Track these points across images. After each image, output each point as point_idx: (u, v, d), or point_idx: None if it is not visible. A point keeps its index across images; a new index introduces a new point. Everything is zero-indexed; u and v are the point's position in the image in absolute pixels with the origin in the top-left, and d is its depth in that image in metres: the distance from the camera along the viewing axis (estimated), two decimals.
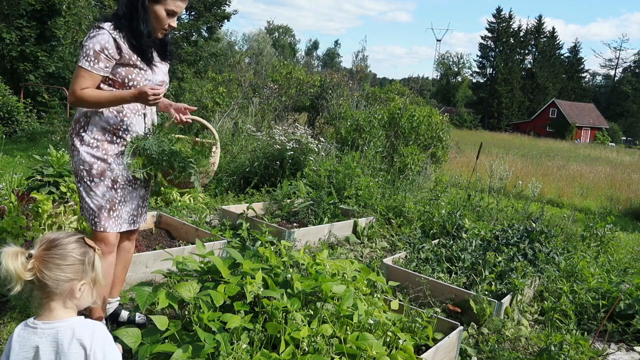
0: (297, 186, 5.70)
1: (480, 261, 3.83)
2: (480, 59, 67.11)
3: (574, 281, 3.88)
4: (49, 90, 14.13)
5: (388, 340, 2.35)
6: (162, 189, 5.41)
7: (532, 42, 65.33)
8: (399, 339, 2.33)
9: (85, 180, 2.33)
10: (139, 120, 2.44)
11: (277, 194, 5.49)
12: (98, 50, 2.22)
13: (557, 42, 65.90)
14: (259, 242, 3.78)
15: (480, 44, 66.66)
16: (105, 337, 1.41)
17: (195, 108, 2.65)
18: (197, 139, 2.65)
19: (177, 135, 2.50)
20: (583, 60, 68.43)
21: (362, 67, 26.31)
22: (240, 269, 2.49)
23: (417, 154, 8.09)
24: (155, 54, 2.44)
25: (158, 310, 2.34)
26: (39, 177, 4.61)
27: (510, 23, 64.53)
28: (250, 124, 8.88)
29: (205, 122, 2.72)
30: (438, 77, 74.85)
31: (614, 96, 66.31)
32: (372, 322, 2.36)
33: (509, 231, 4.60)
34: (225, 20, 24.22)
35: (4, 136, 9.74)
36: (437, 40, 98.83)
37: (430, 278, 3.51)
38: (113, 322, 2.71)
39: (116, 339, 1.67)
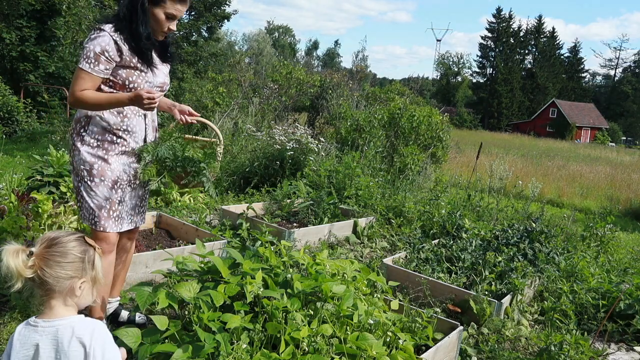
0: (297, 186, 5.70)
1: (480, 261, 3.83)
2: (480, 59, 67.15)
3: (574, 281, 3.88)
4: (49, 90, 14.13)
5: (388, 340, 2.35)
6: (162, 189, 5.41)
7: (532, 42, 65.34)
8: (399, 339, 2.33)
9: (85, 180, 2.34)
10: (139, 120, 2.45)
11: (277, 194, 5.49)
12: (98, 52, 2.22)
13: (557, 42, 65.92)
14: (259, 242, 3.78)
15: (480, 44, 66.74)
16: (105, 336, 1.42)
17: (200, 115, 2.66)
18: (205, 139, 2.66)
19: (186, 135, 2.53)
20: (583, 60, 68.48)
21: (362, 67, 26.32)
22: (240, 269, 2.49)
23: (417, 154, 8.09)
24: (155, 56, 2.44)
25: (158, 310, 2.34)
26: (39, 177, 4.61)
27: (510, 23, 64.55)
28: (250, 124, 8.88)
29: (210, 123, 2.74)
30: (438, 77, 74.87)
31: (614, 96, 66.32)
32: (372, 322, 2.36)
33: (509, 231, 4.60)
34: (225, 20, 24.23)
35: (4, 136, 9.74)
36: (437, 40, 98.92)
37: (430, 278, 3.51)
38: (113, 322, 2.71)
39: (116, 339, 1.67)
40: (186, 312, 2.37)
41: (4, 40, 13.59)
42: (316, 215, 5.13)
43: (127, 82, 2.32)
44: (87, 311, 2.32)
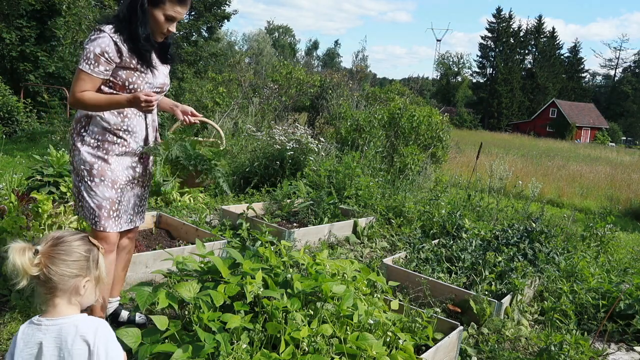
0: (297, 186, 5.70)
1: (480, 261, 3.83)
2: (480, 59, 67.14)
3: (574, 281, 3.88)
4: (49, 90, 14.13)
5: (388, 340, 2.35)
6: (166, 189, 5.41)
7: (532, 42, 65.33)
8: (399, 339, 2.33)
9: (86, 180, 2.34)
10: (139, 121, 2.45)
11: (277, 194, 5.49)
12: (98, 53, 2.22)
13: (557, 42, 65.92)
14: (259, 242, 3.78)
15: (480, 44, 66.72)
16: (108, 334, 1.43)
17: (202, 115, 2.67)
18: (209, 140, 2.67)
19: (193, 138, 2.55)
20: (583, 60, 68.46)
21: (362, 67, 26.32)
22: (240, 269, 2.49)
23: (417, 154, 8.09)
24: (155, 57, 2.44)
25: (158, 310, 2.34)
26: (39, 177, 4.61)
27: (510, 23, 64.54)
28: (250, 124, 8.88)
29: (213, 123, 2.76)
30: (438, 77, 74.86)
31: (614, 96, 66.31)
32: (372, 322, 2.36)
33: (509, 231, 4.60)
34: (225, 20, 24.21)
35: (4, 136, 9.74)
36: (437, 40, 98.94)
37: (430, 278, 3.51)
38: (113, 322, 2.71)
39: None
40: (186, 312, 2.37)
41: (4, 40, 13.59)
42: (316, 215, 5.13)
43: (127, 83, 2.32)
44: (88, 311, 2.32)
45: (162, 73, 2.49)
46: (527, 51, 65.73)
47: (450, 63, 73.36)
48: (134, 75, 2.33)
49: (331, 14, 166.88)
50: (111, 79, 2.31)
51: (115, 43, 2.25)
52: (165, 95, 2.69)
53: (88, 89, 2.25)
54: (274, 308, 2.20)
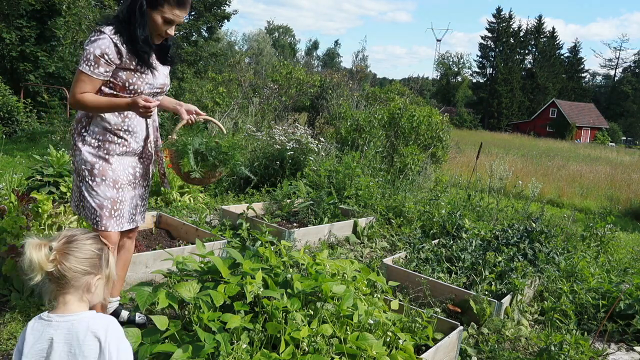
0: (297, 186, 5.70)
1: (480, 261, 3.83)
2: (480, 59, 67.13)
3: (574, 281, 3.88)
4: (49, 90, 14.13)
5: (388, 340, 2.35)
6: (162, 189, 5.41)
7: (532, 42, 65.32)
8: (399, 339, 2.33)
9: (87, 179, 2.35)
10: (140, 120, 2.46)
11: (277, 194, 5.49)
12: (98, 55, 2.22)
13: (557, 42, 65.90)
14: (259, 242, 3.78)
15: (480, 44, 66.72)
16: (119, 331, 1.45)
17: (205, 114, 2.70)
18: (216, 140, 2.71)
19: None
20: (583, 60, 68.44)
21: (362, 67, 26.31)
22: (240, 269, 2.49)
23: (417, 154, 8.09)
24: (155, 58, 2.45)
25: (158, 310, 2.34)
26: (39, 177, 4.61)
27: (510, 23, 64.53)
28: (250, 124, 8.88)
29: (216, 121, 2.80)
30: (438, 77, 74.85)
31: (614, 96, 66.30)
32: (372, 322, 2.36)
33: (509, 231, 4.60)
34: (225, 20, 24.20)
35: (4, 136, 9.74)
36: (437, 40, 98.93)
37: (430, 278, 3.51)
38: None
39: None
40: (186, 312, 2.37)
41: (4, 40, 13.59)
42: (316, 215, 5.13)
43: (127, 84, 2.33)
44: None
45: (162, 74, 2.49)
46: (527, 51, 65.73)
47: (450, 63, 73.36)
48: (134, 76, 2.34)
49: (331, 14, 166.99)
50: (111, 79, 2.31)
51: (116, 44, 2.25)
52: (165, 95, 2.70)
53: (88, 90, 2.26)
54: (274, 308, 2.20)
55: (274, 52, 55.38)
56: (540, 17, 65.86)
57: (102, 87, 2.32)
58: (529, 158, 19.60)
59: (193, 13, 22.94)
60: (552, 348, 2.75)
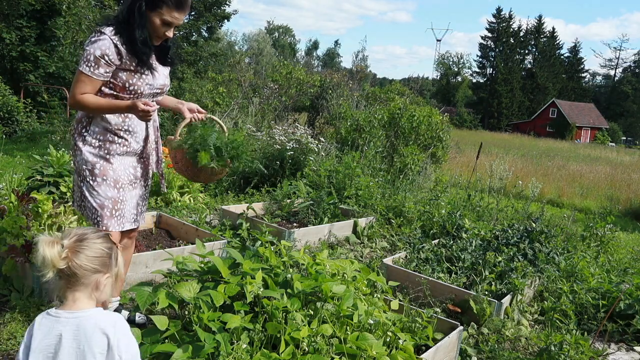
0: (297, 186, 5.70)
1: (480, 261, 3.83)
2: (480, 59, 67.11)
3: (574, 281, 3.88)
4: (49, 90, 14.14)
5: (388, 340, 2.35)
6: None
7: (532, 42, 65.30)
8: (399, 339, 2.33)
9: (87, 179, 2.36)
10: (140, 121, 2.45)
11: (277, 194, 5.49)
12: (98, 55, 2.23)
13: (557, 42, 65.88)
14: (259, 242, 3.78)
15: (480, 44, 66.69)
16: (126, 328, 1.46)
17: (207, 112, 2.71)
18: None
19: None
20: (583, 60, 68.44)
21: (362, 67, 26.32)
22: (240, 269, 2.49)
23: (417, 154, 8.08)
24: (154, 59, 2.45)
25: (158, 310, 2.34)
26: (39, 177, 4.61)
27: (510, 23, 64.51)
28: (250, 124, 8.88)
29: (217, 119, 2.81)
30: (438, 77, 74.84)
31: (614, 96, 66.29)
32: (372, 322, 2.36)
33: (509, 231, 4.60)
34: (225, 20, 24.19)
35: (4, 136, 9.74)
36: (437, 40, 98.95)
37: (430, 278, 3.51)
38: None
39: None
40: (186, 312, 2.37)
41: (4, 40, 13.59)
42: (316, 215, 5.13)
43: (127, 85, 2.33)
44: None
45: (162, 74, 2.50)
46: (527, 51, 65.71)
47: (450, 63, 73.36)
48: (134, 77, 2.34)
49: (331, 14, 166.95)
50: (112, 80, 2.31)
51: (116, 45, 2.25)
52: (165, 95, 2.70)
53: (88, 91, 2.26)
54: (274, 308, 2.20)
55: (274, 52, 55.38)
56: (540, 17, 65.91)
57: (102, 88, 2.32)
58: (529, 158, 19.60)
59: (193, 13, 22.95)
60: (552, 348, 2.75)
